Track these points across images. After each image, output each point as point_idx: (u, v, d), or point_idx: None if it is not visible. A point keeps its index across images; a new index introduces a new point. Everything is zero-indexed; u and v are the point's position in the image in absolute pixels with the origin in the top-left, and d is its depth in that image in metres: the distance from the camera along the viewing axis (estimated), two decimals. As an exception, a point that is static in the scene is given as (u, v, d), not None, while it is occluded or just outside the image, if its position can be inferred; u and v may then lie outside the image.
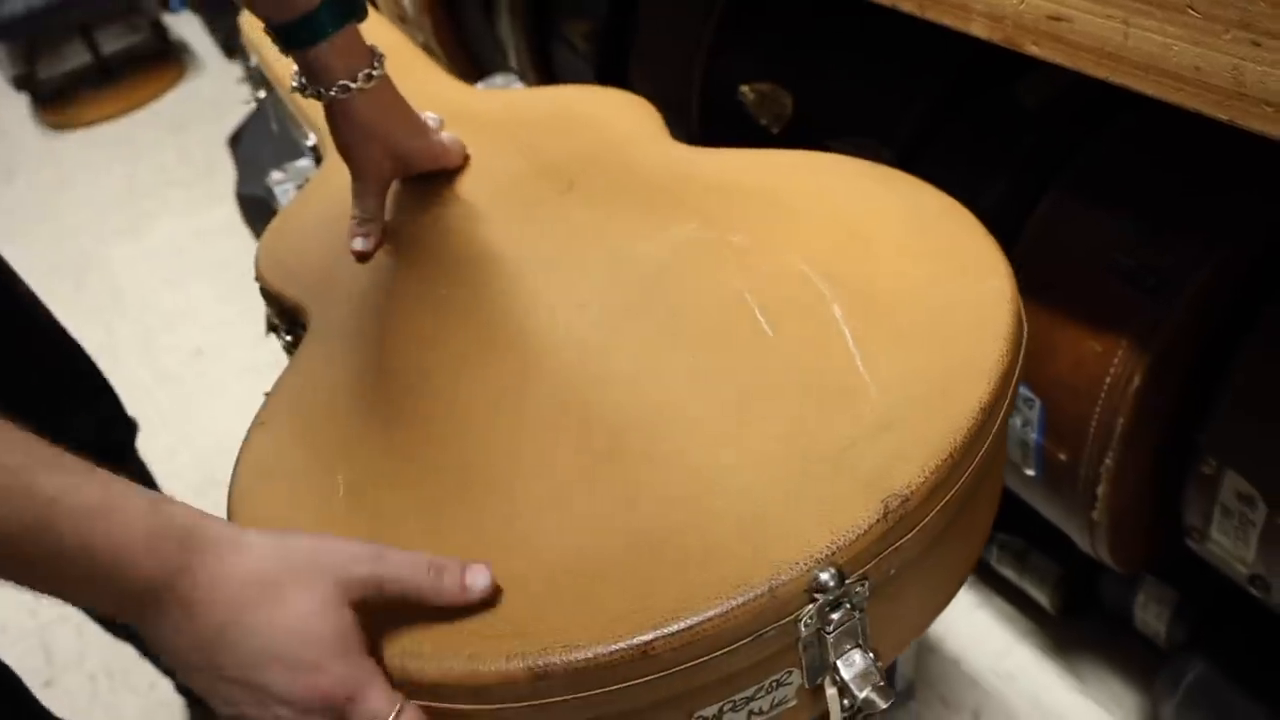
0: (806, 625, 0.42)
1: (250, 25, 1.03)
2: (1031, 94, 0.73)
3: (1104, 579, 0.92)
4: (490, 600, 0.44)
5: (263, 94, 1.09)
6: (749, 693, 0.45)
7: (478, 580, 0.43)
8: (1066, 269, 0.67)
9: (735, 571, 0.41)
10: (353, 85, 0.60)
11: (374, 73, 0.61)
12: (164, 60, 2.44)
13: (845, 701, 0.47)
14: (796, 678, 0.45)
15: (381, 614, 0.43)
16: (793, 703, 0.46)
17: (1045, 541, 0.92)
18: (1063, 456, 0.72)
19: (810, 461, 0.45)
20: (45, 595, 0.39)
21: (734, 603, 0.40)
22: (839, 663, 0.44)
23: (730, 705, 0.44)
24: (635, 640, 0.40)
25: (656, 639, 0.40)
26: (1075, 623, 0.97)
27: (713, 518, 0.44)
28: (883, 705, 0.44)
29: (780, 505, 0.44)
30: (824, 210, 0.59)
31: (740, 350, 0.52)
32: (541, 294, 0.60)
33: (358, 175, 0.65)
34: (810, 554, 0.41)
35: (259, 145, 1.78)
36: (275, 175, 1.08)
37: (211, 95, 2.31)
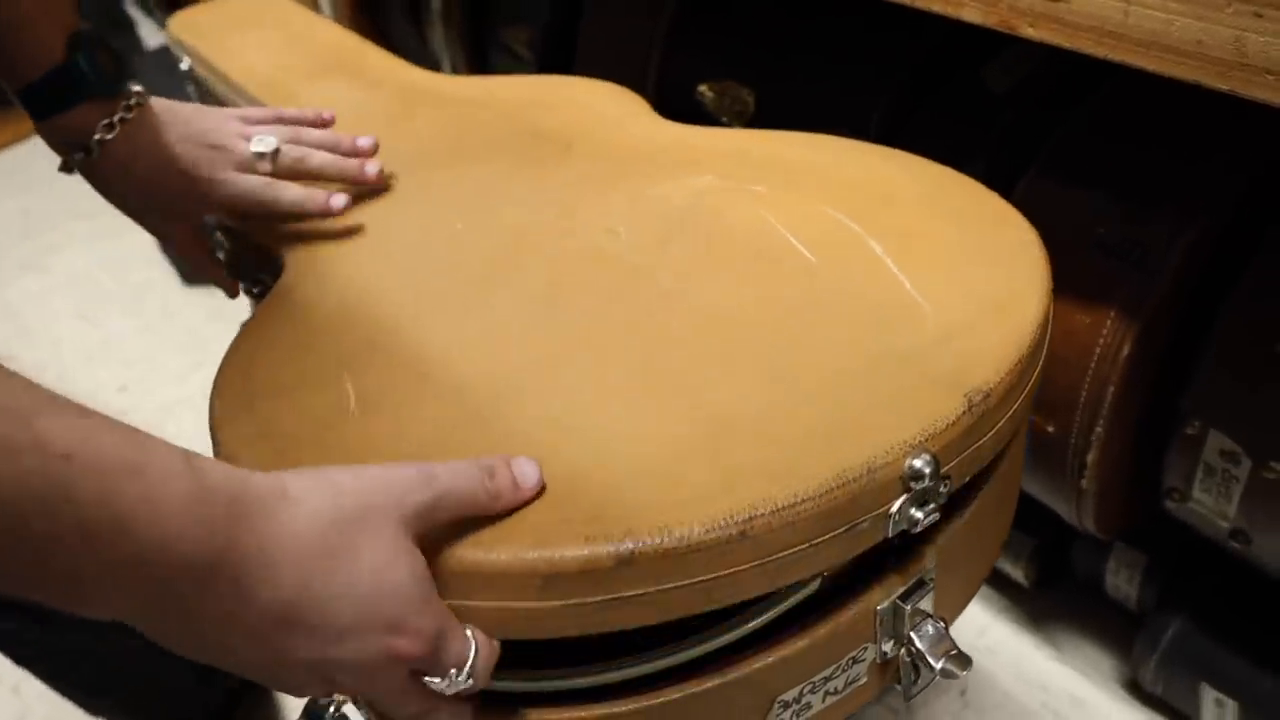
0: (895, 521, 0.41)
1: (179, 26, 0.98)
2: (999, 79, 0.76)
3: (1075, 548, 0.95)
4: (555, 486, 0.40)
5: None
6: (827, 673, 0.45)
7: (528, 473, 0.39)
8: (1050, 246, 0.70)
9: (831, 455, 0.40)
10: (74, 157, 0.55)
11: (94, 141, 0.55)
12: (51, 87, 2.33)
13: (911, 678, 0.48)
14: (870, 653, 0.46)
15: None
16: (864, 680, 0.47)
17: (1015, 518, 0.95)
18: (1051, 429, 0.74)
19: (884, 363, 0.45)
20: (56, 603, 0.30)
21: (833, 484, 0.39)
22: (913, 634, 0.45)
23: (810, 687, 0.44)
24: (732, 518, 0.37)
25: (755, 518, 0.38)
26: (1048, 594, 1.00)
27: (797, 408, 0.43)
28: (960, 674, 0.45)
29: (863, 402, 0.43)
30: (836, 172, 0.59)
31: (785, 272, 0.51)
32: (565, 224, 0.57)
33: (151, 234, 0.62)
34: (905, 440, 0.40)
35: (171, 169, 1.71)
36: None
37: (107, 121, 2.20)
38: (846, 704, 0.47)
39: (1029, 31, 0.57)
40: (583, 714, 0.41)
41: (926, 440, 0.41)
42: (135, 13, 2.44)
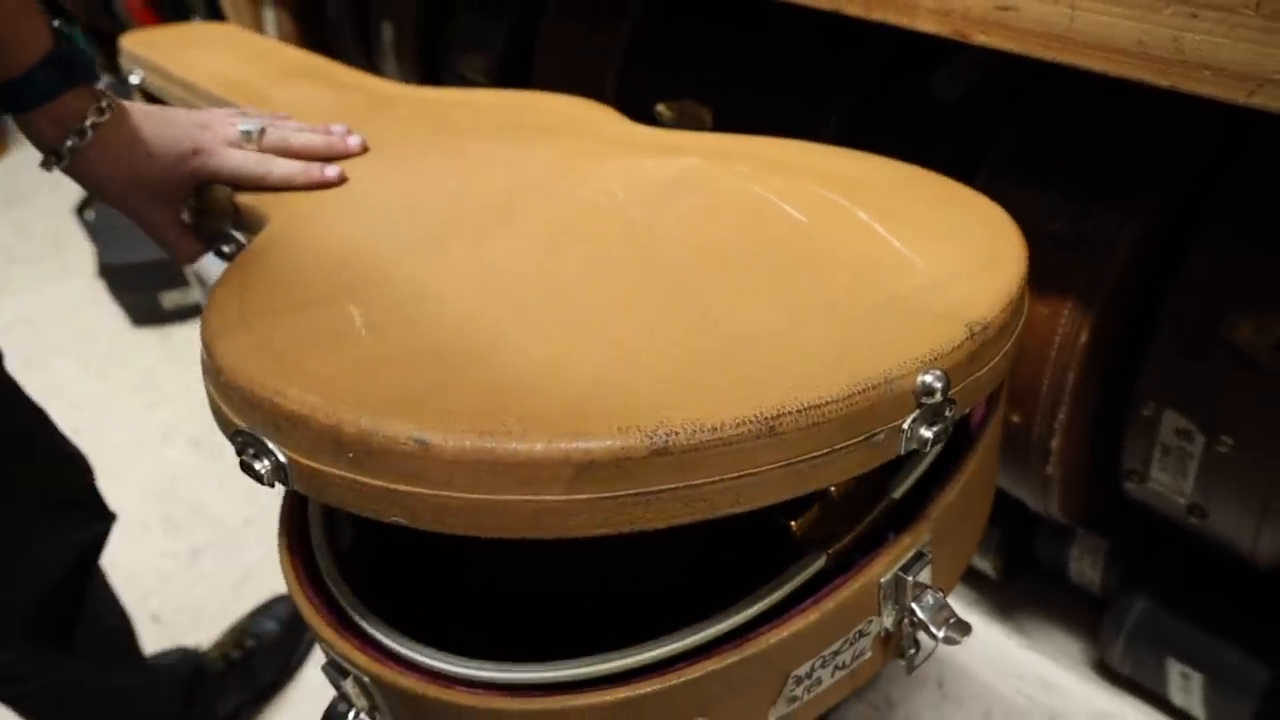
0: (907, 438, 0.42)
1: (133, 42, 0.97)
2: (950, 85, 0.80)
3: (1039, 537, 0.98)
4: (580, 389, 0.40)
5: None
6: (836, 647, 0.46)
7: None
8: (1006, 243, 0.73)
9: (848, 368, 0.41)
10: (64, 146, 0.56)
11: (87, 125, 0.56)
12: (-18, 134, 2.28)
13: (912, 651, 0.50)
14: (875, 626, 0.48)
15: (456, 383, 0.40)
16: (869, 654, 0.49)
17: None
18: (1016, 419, 0.77)
19: (885, 301, 0.46)
20: None
21: (854, 389, 0.40)
22: (914, 605, 0.47)
23: (820, 662, 0.46)
24: (761, 415, 0.39)
25: (783, 415, 0.39)
26: (1015, 584, 1.03)
27: (809, 332, 0.44)
28: (960, 640, 0.47)
29: (871, 329, 0.44)
30: (813, 165, 0.61)
31: (780, 228, 0.53)
32: (560, 185, 0.58)
33: (137, 223, 0.62)
34: (916, 358, 0.42)
35: (115, 211, 1.69)
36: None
37: (44, 166, 2.17)
38: (853, 678, 0.49)
39: (981, 39, 0.61)
40: (607, 698, 0.42)
41: (935, 360, 0.42)
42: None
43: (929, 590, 0.47)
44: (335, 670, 0.47)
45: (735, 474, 0.39)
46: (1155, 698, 0.91)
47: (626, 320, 0.45)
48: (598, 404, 0.39)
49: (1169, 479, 0.76)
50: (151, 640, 1.06)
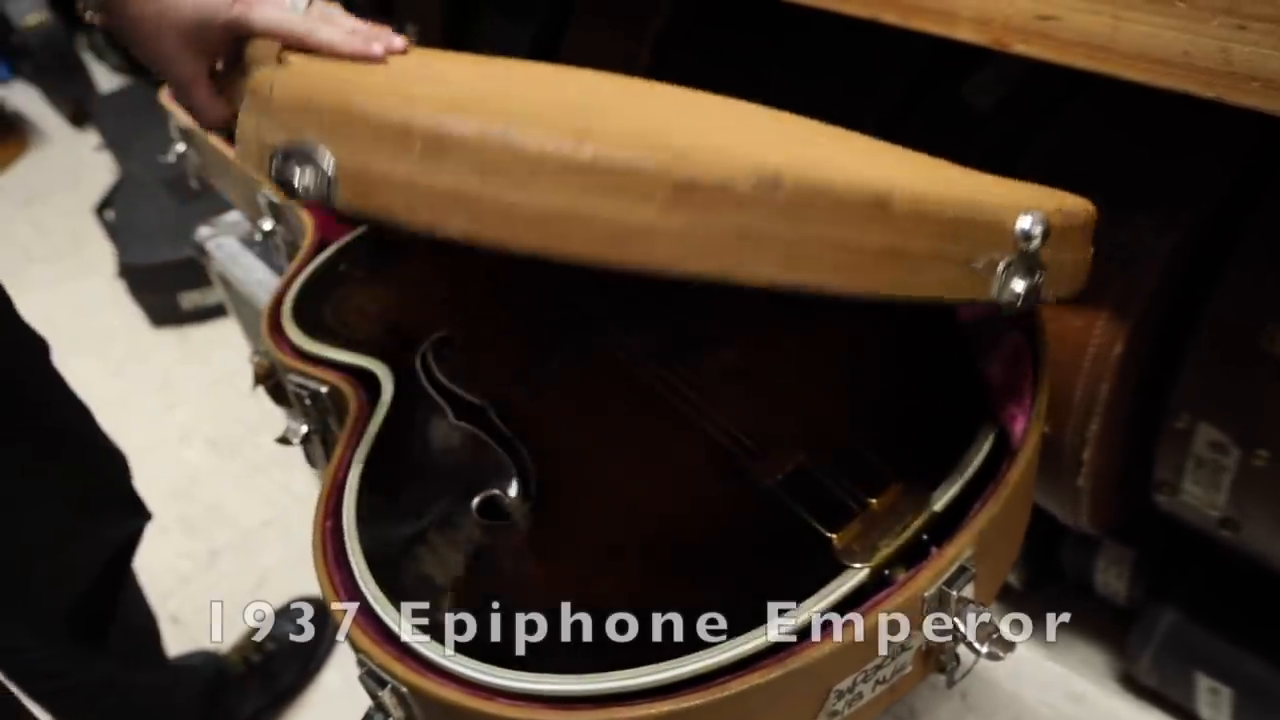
0: (1001, 283, 0.42)
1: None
2: (984, 91, 0.79)
3: (1065, 548, 0.98)
4: (681, 136, 0.40)
5: (181, 148, 1.05)
6: (878, 660, 0.46)
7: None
8: (1039, 253, 0.73)
9: (956, 191, 0.41)
10: None
11: None
12: (2, 134, 2.29)
13: (953, 665, 0.49)
14: (917, 640, 0.47)
15: (544, 118, 0.39)
16: (909, 668, 0.48)
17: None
18: (1046, 430, 0.77)
19: (976, 186, 0.46)
20: None
21: (962, 201, 0.40)
22: (956, 619, 0.47)
23: (862, 676, 0.46)
24: (873, 187, 0.37)
25: (895, 192, 0.38)
26: (1038, 595, 1.03)
27: (915, 171, 0.46)
28: (1003, 656, 0.47)
29: (970, 184, 0.45)
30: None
31: (857, 137, 0.54)
32: (631, 81, 0.61)
33: (169, 82, 0.61)
34: (1017, 203, 0.42)
35: (135, 210, 1.70)
36: (204, 231, 1.04)
37: (63, 166, 2.17)
38: (892, 692, 0.48)
39: (1021, 49, 0.60)
40: (650, 711, 0.42)
41: (1037, 208, 0.42)
42: (87, 56, 2.42)
43: (972, 605, 0.47)
44: (373, 680, 0.47)
45: (838, 243, 0.37)
46: (1183, 712, 0.90)
47: (720, 125, 0.45)
48: (701, 151, 0.36)
49: (1202, 492, 0.75)
50: (172, 641, 1.06)
